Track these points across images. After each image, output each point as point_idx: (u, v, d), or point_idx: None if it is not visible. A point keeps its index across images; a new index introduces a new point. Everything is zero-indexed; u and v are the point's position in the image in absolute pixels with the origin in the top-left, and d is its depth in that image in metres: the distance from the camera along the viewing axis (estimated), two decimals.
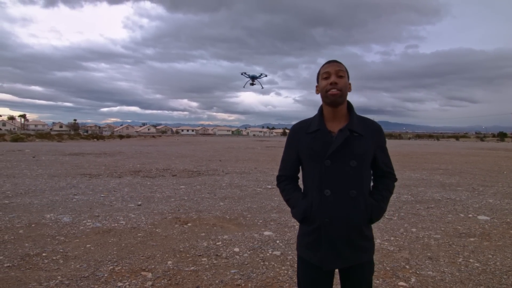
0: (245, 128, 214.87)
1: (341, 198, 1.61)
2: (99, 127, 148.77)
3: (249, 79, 55.39)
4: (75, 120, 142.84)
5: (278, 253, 3.96)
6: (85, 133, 78.16)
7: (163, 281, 3.18)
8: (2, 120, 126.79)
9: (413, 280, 3.27)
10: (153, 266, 3.51)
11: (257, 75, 55.72)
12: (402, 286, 3.14)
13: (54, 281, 3.14)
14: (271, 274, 3.38)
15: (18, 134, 43.76)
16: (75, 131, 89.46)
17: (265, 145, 39.63)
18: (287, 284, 3.13)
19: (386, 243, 4.35)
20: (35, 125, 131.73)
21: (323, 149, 1.62)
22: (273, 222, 5.33)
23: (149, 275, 3.30)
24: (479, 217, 5.82)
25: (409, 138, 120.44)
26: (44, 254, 3.80)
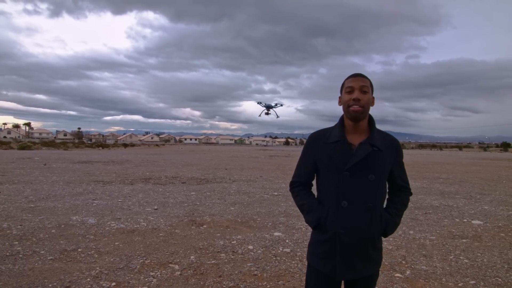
0: (248, 137, 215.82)
1: (358, 211, 1.62)
2: (103, 136, 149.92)
3: (264, 108, 56.24)
4: (79, 128, 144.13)
5: (288, 250, 4.42)
6: (89, 142, 79.04)
7: (189, 271, 3.64)
8: (7, 128, 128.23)
9: (408, 272, 3.71)
10: (178, 260, 3.97)
11: (273, 105, 56.58)
12: (398, 277, 3.59)
13: (94, 271, 3.61)
14: (283, 267, 3.83)
15: (25, 142, 44.49)
16: (79, 140, 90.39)
17: (269, 154, 40.11)
18: (297, 275, 3.58)
19: (385, 243, 4.78)
20: (40, 133, 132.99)
21: (343, 161, 1.63)
22: (282, 225, 5.78)
23: (176, 266, 3.77)
24: (473, 221, 6.25)
25: (412, 148, 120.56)
26: (79, 250, 4.27)
